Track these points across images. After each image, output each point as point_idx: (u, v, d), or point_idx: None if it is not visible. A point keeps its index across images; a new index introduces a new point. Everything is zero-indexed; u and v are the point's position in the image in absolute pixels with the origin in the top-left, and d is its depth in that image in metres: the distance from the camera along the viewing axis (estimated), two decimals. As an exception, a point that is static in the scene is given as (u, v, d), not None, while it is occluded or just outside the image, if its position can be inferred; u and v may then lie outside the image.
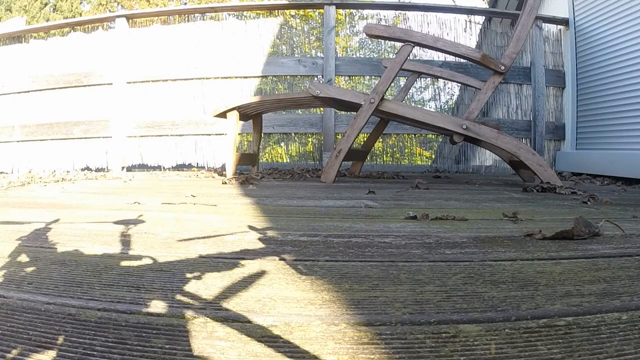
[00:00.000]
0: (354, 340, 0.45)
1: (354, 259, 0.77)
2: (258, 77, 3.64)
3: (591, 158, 3.19)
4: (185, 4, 13.96)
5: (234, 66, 3.62)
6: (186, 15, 3.76)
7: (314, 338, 0.46)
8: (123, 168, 3.63)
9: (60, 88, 3.76)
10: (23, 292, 0.58)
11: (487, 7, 5.37)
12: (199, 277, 0.65)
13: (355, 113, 2.35)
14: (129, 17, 3.74)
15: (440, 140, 3.97)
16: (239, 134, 3.49)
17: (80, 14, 14.08)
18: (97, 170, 3.68)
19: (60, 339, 0.44)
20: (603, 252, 0.81)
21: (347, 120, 3.46)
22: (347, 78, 3.76)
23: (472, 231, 1.01)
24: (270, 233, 0.98)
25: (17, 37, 3.96)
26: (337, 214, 1.28)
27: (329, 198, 1.65)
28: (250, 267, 0.71)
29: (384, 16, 3.92)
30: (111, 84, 3.64)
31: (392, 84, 2.98)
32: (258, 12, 3.75)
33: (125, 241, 0.89)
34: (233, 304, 0.55)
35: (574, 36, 3.45)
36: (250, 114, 2.88)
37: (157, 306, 0.54)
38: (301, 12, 4.21)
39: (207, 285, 0.61)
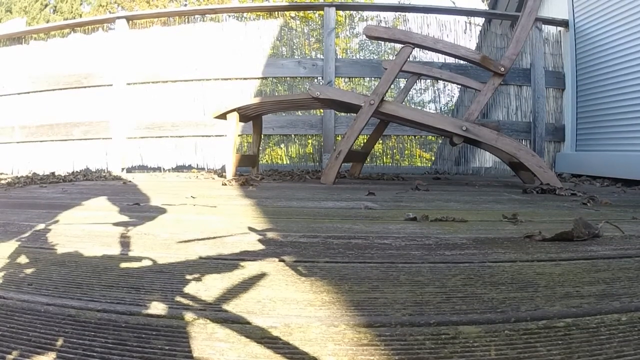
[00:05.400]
0: (354, 342, 0.45)
1: (354, 260, 0.77)
2: (258, 78, 3.65)
3: (591, 159, 3.19)
4: (186, 5, 13.97)
5: (234, 67, 3.62)
6: (186, 17, 3.77)
7: (313, 339, 0.46)
8: (123, 169, 3.64)
9: (61, 89, 3.76)
10: (23, 293, 0.58)
11: (487, 8, 5.38)
12: (198, 279, 0.65)
13: (355, 115, 2.35)
14: (129, 19, 3.75)
15: (440, 141, 3.97)
16: (238, 135, 3.49)
17: (81, 15, 14.09)
18: (97, 171, 3.68)
19: (60, 340, 0.44)
20: (603, 254, 0.81)
21: (347, 121, 3.46)
22: (347, 79, 3.76)
23: (472, 232, 1.02)
24: (270, 234, 0.98)
25: (17, 38, 3.97)
26: (337, 215, 1.28)
27: (328, 199, 1.65)
28: (250, 268, 0.71)
29: (384, 18, 3.92)
30: (111, 85, 3.64)
31: (392, 86, 2.98)
32: (258, 13, 3.76)
33: (125, 242, 0.89)
34: (233, 306, 0.55)
35: (573, 38, 3.46)
36: (250, 116, 2.88)
37: (157, 307, 0.54)
38: (301, 13, 4.21)
39: (207, 287, 0.61)
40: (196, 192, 1.85)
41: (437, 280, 0.65)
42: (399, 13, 3.76)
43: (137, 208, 1.42)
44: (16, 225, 1.09)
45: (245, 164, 2.96)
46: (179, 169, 3.69)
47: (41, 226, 1.07)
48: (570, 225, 0.94)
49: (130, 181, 2.60)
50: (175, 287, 0.61)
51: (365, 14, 4.17)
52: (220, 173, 3.20)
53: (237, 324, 0.49)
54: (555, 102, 3.66)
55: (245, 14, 3.75)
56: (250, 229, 1.05)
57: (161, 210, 1.37)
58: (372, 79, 3.62)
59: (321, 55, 3.65)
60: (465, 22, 3.69)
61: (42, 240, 0.91)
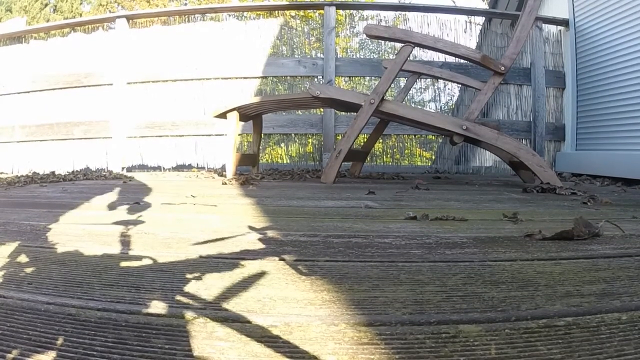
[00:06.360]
0: (354, 341, 0.45)
1: (354, 259, 0.77)
2: (258, 77, 3.65)
3: (591, 159, 3.18)
4: (186, 4, 13.97)
5: (234, 67, 3.62)
6: (186, 16, 3.76)
7: (313, 338, 0.46)
8: (123, 168, 3.63)
9: (61, 88, 3.76)
10: (23, 292, 0.58)
11: (487, 7, 5.38)
12: (199, 278, 0.65)
13: (355, 114, 2.35)
14: (129, 18, 3.74)
15: (440, 141, 3.97)
16: (239, 134, 3.49)
17: (81, 15, 14.09)
18: (97, 170, 3.68)
19: (60, 339, 0.44)
20: (603, 253, 0.81)
21: (347, 120, 3.46)
22: (347, 79, 3.76)
23: (472, 231, 1.01)
24: (270, 233, 0.98)
25: (17, 38, 3.97)
26: (337, 214, 1.28)
27: (329, 198, 1.65)
28: (250, 267, 0.71)
29: (384, 17, 3.92)
30: (111, 84, 3.64)
31: (393, 85, 2.98)
32: (258, 13, 3.75)
33: (125, 241, 0.89)
34: (233, 304, 0.54)
35: (574, 37, 3.45)
36: (250, 115, 2.88)
37: (157, 306, 0.53)
38: (301, 12, 4.21)
39: (207, 286, 0.61)
40: (196, 191, 1.85)
41: (438, 279, 0.65)
42: (399, 12, 3.76)
43: (138, 207, 1.42)
44: (16, 224, 1.09)
45: (245, 163, 2.96)
46: (179, 168, 3.69)
47: (41, 225, 1.07)
48: (571, 224, 0.93)
49: (130, 180, 2.60)
50: (175, 286, 0.61)
51: (366, 13, 4.16)
52: (221, 172, 3.20)
53: (237, 322, 0.49)
54: (556, 102, 3.65)
55: (245, 13, 3.75)
56: (251, 228, 1.05)
57: (161, 209, 1.37)
58: (373, 78, 3.62)
59: (321, 55, 3.65)
60: (466, 21, 3.69)
61: (42, 239, 0.91)
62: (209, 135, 3.63)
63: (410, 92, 3.56)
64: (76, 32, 3.86)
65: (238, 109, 2.63)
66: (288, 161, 3.82)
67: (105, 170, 3.60)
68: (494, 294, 0.58)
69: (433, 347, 0.44)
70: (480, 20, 3.81)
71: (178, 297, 0.57)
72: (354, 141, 2.36)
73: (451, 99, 4.16)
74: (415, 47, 2.27)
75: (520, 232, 1.00)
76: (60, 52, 3.82)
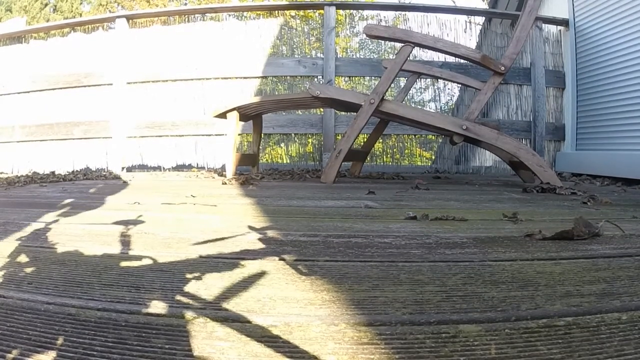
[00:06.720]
0: (354, 341, 0.45)
1: (354, 259, 0.77)
2: (258, 77, 3.65)
3: (591, 159, 3.19)
4: (186, 4, 13.97)
5: (234, 67, 3.62)
6: (186, 16, 3.76)
7: (313, 338, 0.46)
8: (123, 168, 3.63)
9: (61, 88, 3.76)
10: (23, 292, 0.58)
11: (487, 7, 5.38)
12: (198, 278, 0.65)
13: (355, 114, 2.35)
14: (129, 18, 3.74)
15: (440, 141, 3.97)
16: (239, 134, 3.49)
17: (81, 15, 14.08)
18: (97, 170, 3.68)
19: (60, 339, 0.44)
20: (603, 253, 0.81)
21: (347, 120, 3.46)
22: (347, 79, 3.76)
23: (472, 231, 1.01)
24: (270, 233, 0.98)
25: (17, 38, 3.97)
26: (337, 214, 1.28)
27: (328, 198, 1.65)
28: (250, 267, 0.71)
29: (384, 17, 3.93)
30: (111, 84, 3.64)
31: (392, 85, 2.98)
32: (258, 12, 3.75)
33: (125, 241, 0.89)
34: (233, 304, 0.54)
35: (574, 37, 3.46)
36: (250, 115, 2.88)
37: (157, 306, 0.53)
38: (301, 12, 4.21)
39: (207, 286, 0.61)
40: (196, 191, 1.85)
41: (438, 279, 0.65)
42: (399, 12, 3.76)
43: (137, 207, 1.42)
44: (16, 224, 1.09)
45: (245, 163, 2.96)
46: (179, 168, 3.69)
47: (41, 225, 1.07)
48: (571, 224, 0.93)
49: (130, 180, 2.60)
50: (175, 286, 0.61)
51: (366, 12, 4.16)
52: (221, 172, 3.20)
53: (237, 322, 0.49)
54: (556, 101, 3.65)
55: (245, 13, 3.75)
56: (251, 227, 1.05)
57: (161, 209, 1.37)
58: (372, 78, 3.62)
59: (321, 54, 3.65)
60: (466, 21, 3.69)
61: (42, 239, 0.91)
62: (209, 135, 3.63)
63: (410, 92, 3.56)
64: (76, 32, 3.86)
65: (238, 108, 2.63)
66: (288, 161, 3.82)
67: (105, 170, 3.60)
68: (494, 293, 0.58)
69: (433, 347, 0.44)
70: (480, 20, 3.81)
71: (178, 297, 0.57)
72: (354, 141, 2.36)
73: (451, 99, 4.17)
74: (415, 47, 2.27)
75: (520, 232, 1.00)
76: (60, 52, 3.82)
